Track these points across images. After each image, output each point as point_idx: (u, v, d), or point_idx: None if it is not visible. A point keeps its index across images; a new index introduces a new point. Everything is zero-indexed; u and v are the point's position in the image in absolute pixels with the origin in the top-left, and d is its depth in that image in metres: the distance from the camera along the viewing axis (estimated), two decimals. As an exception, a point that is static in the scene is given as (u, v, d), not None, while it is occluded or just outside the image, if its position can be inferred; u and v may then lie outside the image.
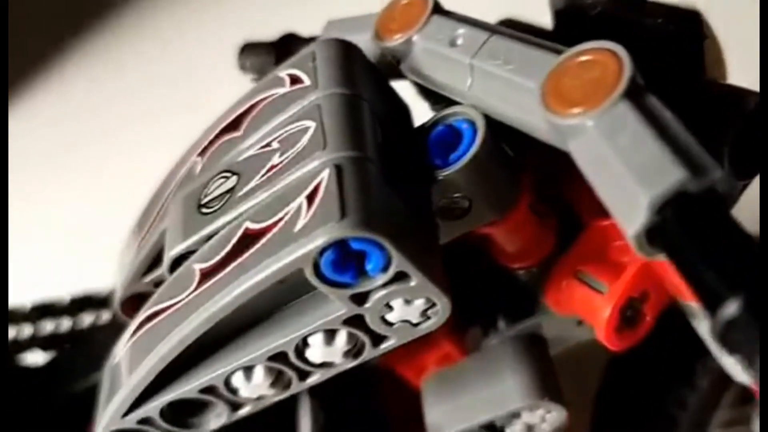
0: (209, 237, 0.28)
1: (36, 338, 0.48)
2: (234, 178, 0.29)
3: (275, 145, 0.28)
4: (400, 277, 0.25)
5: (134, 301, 0.36)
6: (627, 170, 0.21)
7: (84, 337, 0.48)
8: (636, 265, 0.29)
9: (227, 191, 0.28)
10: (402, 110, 0.32)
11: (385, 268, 0.25)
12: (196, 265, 0.28)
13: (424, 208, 0.27)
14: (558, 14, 0.32)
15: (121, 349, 0.31)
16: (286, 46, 0.38)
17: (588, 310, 0.30)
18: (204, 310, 0.26)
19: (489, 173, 0.28)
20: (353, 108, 0.28)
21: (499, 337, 0.35)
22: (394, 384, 0.37)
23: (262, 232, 0.26)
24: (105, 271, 0.51)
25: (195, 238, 0.28)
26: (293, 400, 0.36)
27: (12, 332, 0.48)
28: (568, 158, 0.33)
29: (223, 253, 0.27)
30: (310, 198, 0.25)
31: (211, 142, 0.32)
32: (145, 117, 0.78)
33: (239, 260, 0.26)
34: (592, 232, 0.31)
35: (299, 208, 0.25)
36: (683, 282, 0.25)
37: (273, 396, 0.29)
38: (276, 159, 0.28)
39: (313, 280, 0.25)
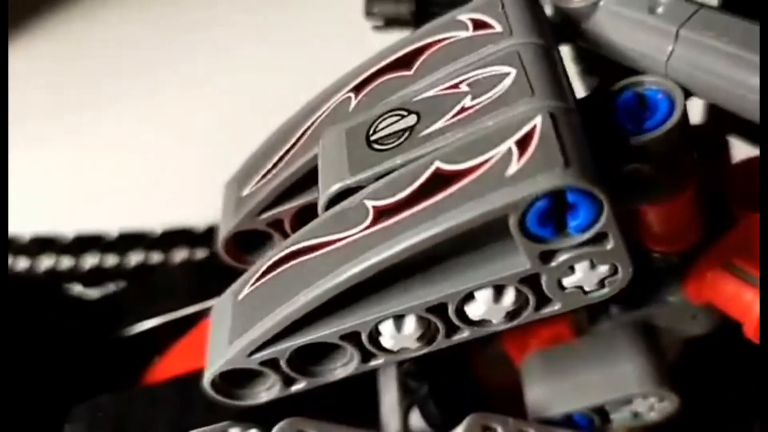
0: (383, 174, 0.27)
1: (77, 271, 0.45)
2: (412, 117, 0.27)
3: (464, 87, 0.27)
4: (597, 239, 0.25)
5: (235, 240, 0.34)
6: None
7: (139, 276, 0.45)
8: (795, 262, 0.29)
9: (405, 129, 0.27)
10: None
11: (588, 227, 0.24)
12: (369, 202, 0.26)
13: (611, 171, 0.27)
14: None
15: (252, 282, 0.29)
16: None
17: (737, 302, 0.30)
18: (385, 249, 0.25)
19: (679, 148, 0.27)
20: (552, 60, 0.27)
21: (610, 322, 0.34)
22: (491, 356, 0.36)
23: (459, 174, 0.25)
24: (158, 210, 0.49)
25: (366, 174, 0.27)
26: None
27: (50, 261, 0.45)
28: (723, 148, 0.33)
29: (406, 192, 0.25)
30: (522, 143, 0.24)
31: (368, 80, 0.30)
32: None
33: (432, 200, 0.25)
34: (744, 224, 0.30)
35: (509, 152, 0.24)
36: None
37: (415, 350, 0.28)
38: (468, 102, 0.26)
39: (514, 229, 0.24)
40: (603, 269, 0.26)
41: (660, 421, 0.33)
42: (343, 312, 0.27)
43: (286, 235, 0.33)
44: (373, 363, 0.29)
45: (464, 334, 0.28)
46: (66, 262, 0.45)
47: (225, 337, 0.29)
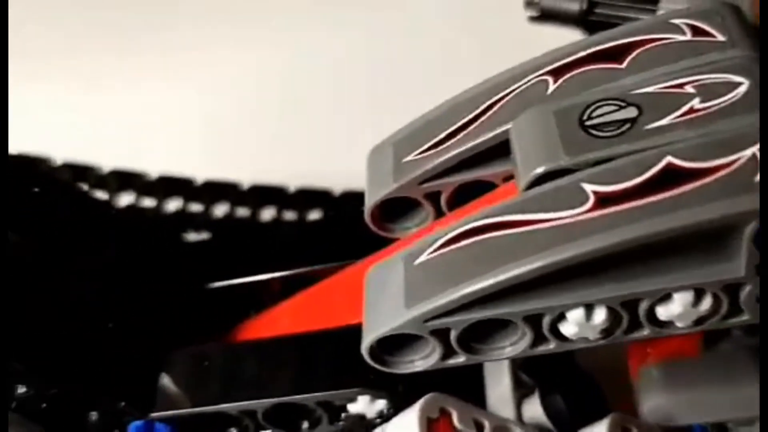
0: (600, 161, 0.27)
1: (160, 212, 0.43)
2: (632, 109, 0.27)
3: (690, 89, 0.27)
4: (816, 256, 0.25)
5: (382, 206, 0.33)
6: None
7: (225, 228, 0.43)
8: None
9: (626, 120, 0.27)
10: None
11: (817, 245, 0.24)
12: (588, 186, 0.26)
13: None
14: None
15: (436, 248, 0.28)
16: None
17: None
18: (612, 236, 0.25)
19: None
20: (779, 78, 0.27)
21: (732, 343, 0.35)
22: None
23: (696, 172, 0.25)
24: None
25: (585, 157, 0.27)
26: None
27: (130, 198, 0.43)
28: None
29: (634, 182, 0.25)
30: (767, 153, 0.24)
31: (567, 66, 0.30)
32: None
33: (665, 194, 0.25)
34: None
35: (754, 158, 0.24)
36: None
37: (594, 341, 0.28)
38: (696, 103, 0.27)
39: (748, 236, 0.24)
40: (804, 287, 0.26)
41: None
42: (533, 292, 0.27)
43: (438, 208, 0.33)
44: (542, 348, 0.29)
45: (644, 332, 0.28)
46: (147, 202, 0.44)
47: (398, 300, 0.28)
